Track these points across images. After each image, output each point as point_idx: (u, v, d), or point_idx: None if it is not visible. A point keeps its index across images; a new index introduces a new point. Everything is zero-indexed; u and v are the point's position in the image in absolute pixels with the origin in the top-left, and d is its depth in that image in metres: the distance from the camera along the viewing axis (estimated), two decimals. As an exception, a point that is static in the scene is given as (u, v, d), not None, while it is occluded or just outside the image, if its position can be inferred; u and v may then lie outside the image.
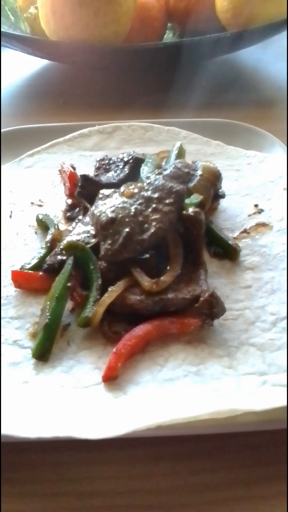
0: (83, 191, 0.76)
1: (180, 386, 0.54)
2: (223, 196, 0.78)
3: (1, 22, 1.28)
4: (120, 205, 0.66)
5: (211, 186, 0.75)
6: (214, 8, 1.21)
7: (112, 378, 0.54)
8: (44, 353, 0.57)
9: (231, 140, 0.93)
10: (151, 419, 0.48)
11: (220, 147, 0.92)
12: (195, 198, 0.69)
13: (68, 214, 0.79)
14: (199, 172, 0.74)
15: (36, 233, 0.75)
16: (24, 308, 0.63)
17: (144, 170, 0.76)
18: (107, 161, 0.82)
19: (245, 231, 0.74)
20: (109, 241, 0.63)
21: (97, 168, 0.81)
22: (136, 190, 0.67)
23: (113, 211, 0.65)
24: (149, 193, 0.66)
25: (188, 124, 0.96)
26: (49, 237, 0.71)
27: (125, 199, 0.66)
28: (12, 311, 0.63)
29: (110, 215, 0.65)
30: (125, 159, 0.79)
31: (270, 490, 0.50)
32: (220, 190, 0.78)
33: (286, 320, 0.61)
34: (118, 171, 0.79)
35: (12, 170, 0.88)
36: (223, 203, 0.79)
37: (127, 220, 0.64)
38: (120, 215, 0.64)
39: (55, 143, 0.93)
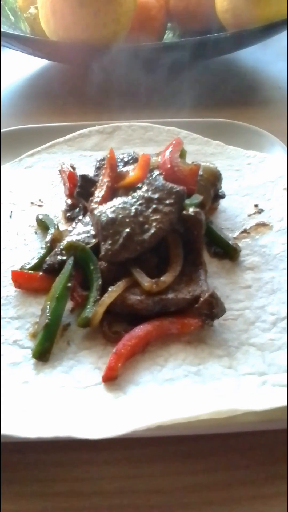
0: (82, 191, 0.76)
1: (180, 386, 0.54)
2: (223, 196, 0.78)
3: (1, 22, 1.28)
4: (120, 205, 0.66)
5: (211, 186, 0.75)
6: (214, 8, 1.21)
7: (112, 378, 0.54)
8: (44, 353, 0.57)
9: (231, 140, 0.93)
10: (151, 419, 0.48)
11: (220, 147, 0.92)
12: (195, 198, 0.69)
13: (68, 214, 0.79)
14: (199, 172, 0.74)
15: (36, 233, 0.75)
16: (24, 308, 0.63)
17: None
18: (107, 161, 0.82)
19: (245, 231, 0.74)
20: (109, 241, 0.63)
21: (97, 168, 0.81)
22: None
23: (113, 211, 0.65)
24: (149, 193, 0.66)
25: (188, 124, 0.96)
26: (49, 237, 0.71)
27: (126, 199, 0.66)
28: (12, 311, 0.63)
29: (110, 215, 0.65)
30: (125, 159, 0.79)
31: (270, 490, 0.50)
32: (220, 190, 0.78)
33: (286, 320, 0.61)
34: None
35: (12, 170, 0.88)
36: (223, 203, 0.79)
37: (127, 220, 0.64)
38: (120, 216, 0.64)
39: (55, 143, 0.93)
